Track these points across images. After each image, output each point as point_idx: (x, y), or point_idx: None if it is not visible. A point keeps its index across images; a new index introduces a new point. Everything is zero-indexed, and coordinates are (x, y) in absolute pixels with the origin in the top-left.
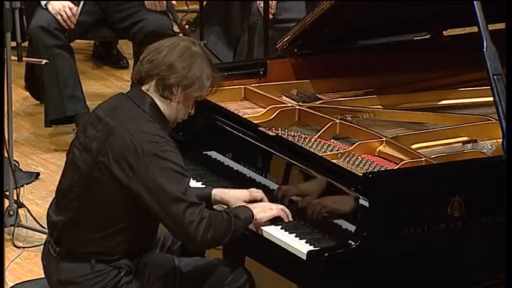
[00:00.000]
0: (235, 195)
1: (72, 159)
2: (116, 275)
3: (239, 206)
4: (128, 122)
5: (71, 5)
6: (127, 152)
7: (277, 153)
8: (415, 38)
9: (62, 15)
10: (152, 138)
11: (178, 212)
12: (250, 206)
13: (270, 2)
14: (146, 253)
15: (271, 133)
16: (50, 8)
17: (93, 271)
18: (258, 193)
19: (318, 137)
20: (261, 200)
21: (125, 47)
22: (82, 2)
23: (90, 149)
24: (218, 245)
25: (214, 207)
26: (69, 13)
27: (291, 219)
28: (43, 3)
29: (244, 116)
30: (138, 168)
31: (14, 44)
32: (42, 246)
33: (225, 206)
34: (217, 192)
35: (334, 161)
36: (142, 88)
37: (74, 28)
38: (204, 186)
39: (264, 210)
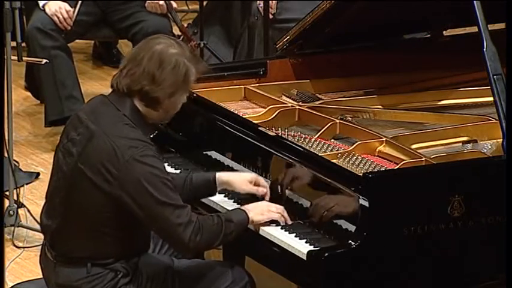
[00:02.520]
0: (240, 177)
1: (57, 163)
2: (113, 277)
3: (234, 209)
4: (108, 126)
5: (68, 7)
6: (107, 157)
7: (277, 153)
8: (415, 38)
9: (58, 17)
10: (132, 144)
11: (163, 216)
12: (247, 208)
13: (270, 2)
14: (143, 254)
15: (271, 133)
16: (47, 9)
17: (89, 275)
18: (263, 183)
19: (318, 137)
20: (263, 195)
21: (125, 47)
22: (80, 2)
23: (72, 153)
24: (208, 248)
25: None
26: (66, 15)
27: (289, 222)
28: (41, 4)
29: (244, 116)
30: (118, 174)
31: (14, 44)
32: (40, 248)
33: (225, 208)
34: (222, 175)
35: (334, 161)
36: (126, 96)
37: (71, 29)
38: None
39: (262, 212)
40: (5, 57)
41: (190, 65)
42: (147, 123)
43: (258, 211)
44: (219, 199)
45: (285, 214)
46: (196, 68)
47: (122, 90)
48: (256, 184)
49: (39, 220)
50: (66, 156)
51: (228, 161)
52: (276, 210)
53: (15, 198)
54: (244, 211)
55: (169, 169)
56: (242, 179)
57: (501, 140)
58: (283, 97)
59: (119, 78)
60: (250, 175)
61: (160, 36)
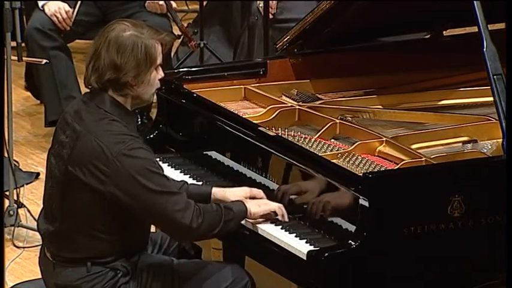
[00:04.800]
0: (234, 193)
1: (50, 168)
2: (113, 276)
3: (232, 201)
4: (93, 125)
5: (67, 7)
6: (96, 157)
7: (277, 153)
8: (415, 38)
9: (57, 17)
10: (118, 139)
11: (160, 205)
12: (245, 200)
13: (270, 2)
14: (143, 254)
15: (271, 133)
16: (46, 9)
17: (89, 274)
18: (258, 192)
19: (318, 137)
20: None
21: None
22: (79, 3)
23: (62, 156)
24: (210, 233)
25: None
26: (65, 15)
27: (286, 219)
28: (40, 4)
29: (244, 116)
30: (110, 171)
31: (14, 44)
32: (40, 249)
33: None
34: (218, 191)
35: (334, 161)
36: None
37: (70, 29)
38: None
39: (259, 204)
40: (5, 57)
41: (150, 40)
42: (129, 112)
43: (254, 203)
44: None
45: (283, 209)
46: (160, 40)
47: (94, 86)
48: (251, 197)
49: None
50: (58, 160)
51: (228, 161)
52: (273, 204)
53: (15, 198)
54: (242, 202)
55: (169, 169)
56: (236, 196)
57: (501, 140)
58: (283, 97)
59: (87, 76)
60: (244, 191)
61: (114, 23)
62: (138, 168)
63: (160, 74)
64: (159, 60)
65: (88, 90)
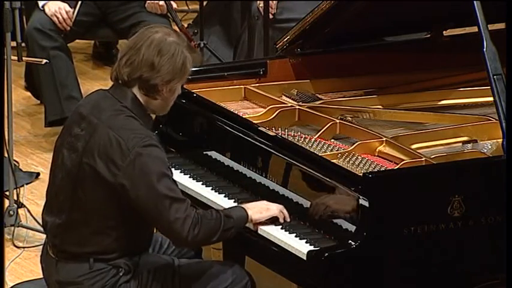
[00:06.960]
0: None
1: (62, 160)
2: (115, 274)
3: (234, 206)
4: (111, 119)
5: (67, 7)
6: (112, 150)
7: (277, 153)
8: (415, 38)
9: (58, 17)
10: (136, 134)
11: (163, 209)
12: (246, 206)
13: (270, 2)
14: (144, 253)
15: (271, 133)
16: (46, 9)
17: (91, 270)
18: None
19: (318, 137)
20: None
21: None
22: (79, 3)
23: (77, 149)
24: (206, 243)
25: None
26: (65, 15)
27: (288, 220)
28: (40, 4)
29: (244, 116)
30: (123, 165)
31: (14, 44)
32: (42, 247)
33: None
34: None
35: (334, 161)
36: (126, 87)
37: (70, 29)
38: (204, 186)
39: (261, 210)
40: (5, 57)
41: (188, 53)
42: (147, 113)
43: (257, 209)
44: (217, 198)
45: (285, 211)
46: (192, 57)
47: (123, 79)
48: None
49: (39, 220)
50: (71, 152)
51: (228, 161)
52: (275, 208)
53: (15, 198)
54: (243, 208)
55: None
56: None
57: (501, 140)
58: (283, 97)
59: (118, 68)
60: None
61: (157, 26)
62: (151, 168)
63: (180, 90)
64: (187, 76)
65: (96, 88)
